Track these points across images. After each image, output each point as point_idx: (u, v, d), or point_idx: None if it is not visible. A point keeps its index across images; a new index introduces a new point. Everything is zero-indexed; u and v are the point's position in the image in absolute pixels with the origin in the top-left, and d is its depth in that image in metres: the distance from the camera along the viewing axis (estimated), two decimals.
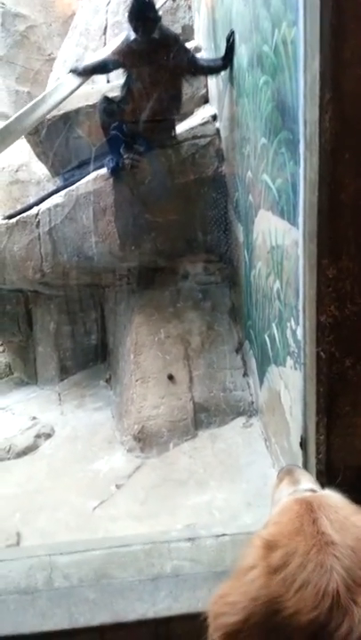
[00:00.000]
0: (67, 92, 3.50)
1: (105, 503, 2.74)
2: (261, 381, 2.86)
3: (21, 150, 5.02)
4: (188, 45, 4.01)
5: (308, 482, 1.05)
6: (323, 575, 0.73)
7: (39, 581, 1.96)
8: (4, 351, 5.61)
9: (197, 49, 4.13)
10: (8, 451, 3.49)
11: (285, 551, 0.78)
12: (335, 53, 1.52)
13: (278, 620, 0.73)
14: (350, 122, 1.54)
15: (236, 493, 2.56)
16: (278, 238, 2.19)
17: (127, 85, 3.26)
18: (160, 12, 3.45)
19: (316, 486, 1.05)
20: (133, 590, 1.89)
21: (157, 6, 3.50)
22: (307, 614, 0.71)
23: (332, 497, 0.90)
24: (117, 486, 2.88)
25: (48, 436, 3.62)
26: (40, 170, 5.02)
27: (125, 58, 3.18)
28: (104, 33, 5.17)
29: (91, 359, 4.59)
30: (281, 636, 0.73)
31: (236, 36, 2.80)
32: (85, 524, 2.60)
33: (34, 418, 3.81)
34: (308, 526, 0.81)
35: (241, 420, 3.11)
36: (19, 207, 4.81)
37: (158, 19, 3.17)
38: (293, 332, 2.05)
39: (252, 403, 3.17)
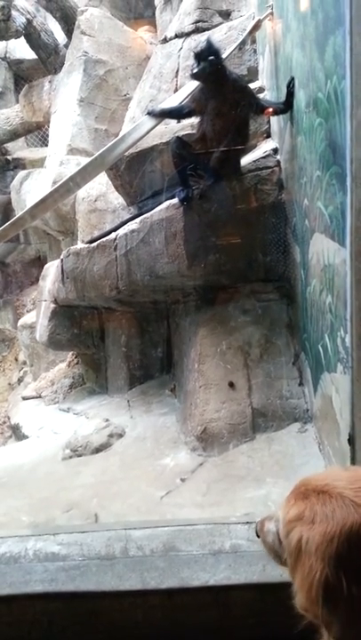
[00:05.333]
0: (143, 131, 3.79)
1: (171, 493, 3.02)
2: (316, 389, 3.08)
3: (100, 182, 5.54)
4: (253, 85, 4.38)
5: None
6: None
7: (116, 550, 2.24)
8: (77, 363, 6.09)
9: (261, 89, 4.51)
10: (85, 447, 3.89)
11: None
12: None
13: None
14: None
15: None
16: (330, 257, 2.45)
17: (200, 127, 3.59)
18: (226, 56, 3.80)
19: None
20: (197, 562, 2.14)
21: (226, 54, 3.90)
22: None
23: None
24: (182, 479, 3.16)
25: (119, 435, 3.98)
26: (116, 199, 5.44)
27: (199, 105, 3.51)
28: (176, 76, 5.58)
29: (157, 370, 4.91)
30: None
31: (296, 82, 3.14)
32: (154, 509, 2.88)
33: (107, 420, 4.18)
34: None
35: (296, 426, 3.30)
36: (96, 233, 5.22)
37: (221, 65, 3.40)
38: (343, 341, 2.30)
39: (307, 410, 3.36)
